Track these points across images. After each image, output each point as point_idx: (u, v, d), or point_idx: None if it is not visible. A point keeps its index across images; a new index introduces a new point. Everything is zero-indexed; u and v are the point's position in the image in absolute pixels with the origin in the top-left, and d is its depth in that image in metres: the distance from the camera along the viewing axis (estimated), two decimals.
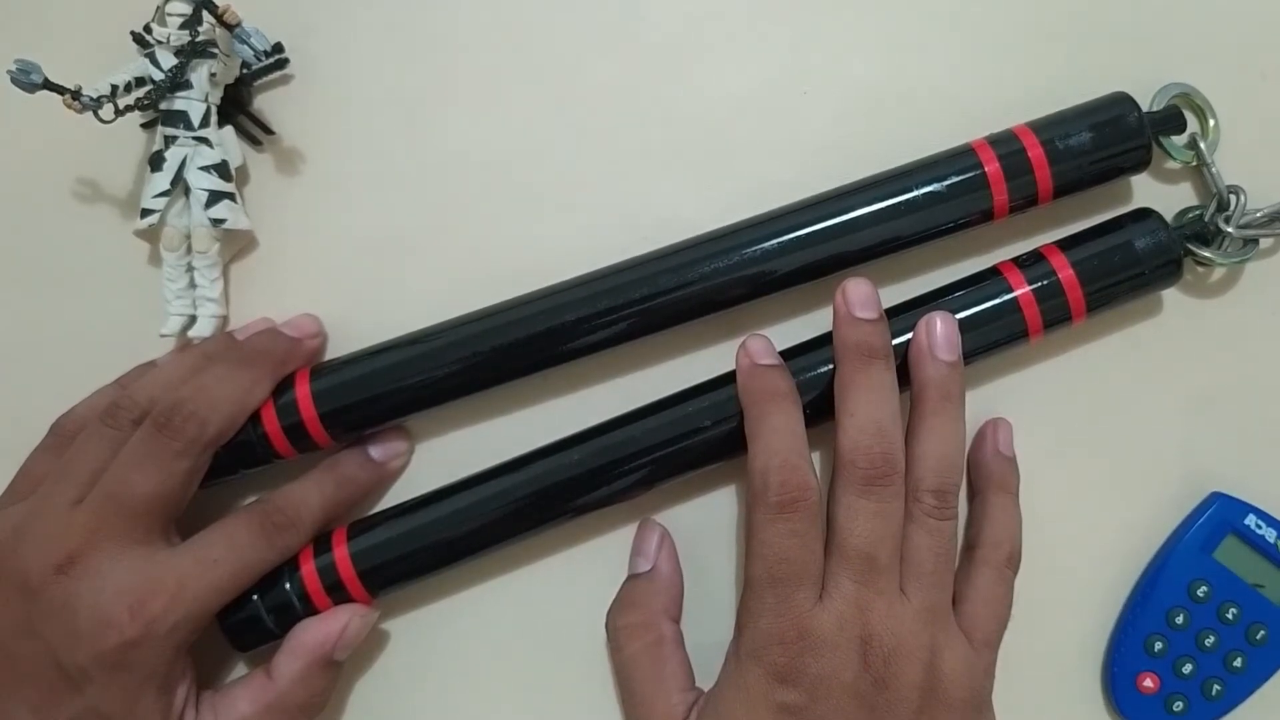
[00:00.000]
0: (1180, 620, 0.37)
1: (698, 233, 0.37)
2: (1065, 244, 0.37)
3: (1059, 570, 0.38)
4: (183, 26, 0.36)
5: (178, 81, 0.36)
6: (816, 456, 0.37)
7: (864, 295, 0.34)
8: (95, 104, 0.35)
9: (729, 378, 0.36)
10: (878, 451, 0.33)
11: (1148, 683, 0.37)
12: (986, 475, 0.37)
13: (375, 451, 0.38)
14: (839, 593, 0.32)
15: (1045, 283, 0.36)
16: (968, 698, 0.33)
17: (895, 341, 0.35)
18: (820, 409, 0.35)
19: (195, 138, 0.36)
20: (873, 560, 0.32)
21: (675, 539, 0.38)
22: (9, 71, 0.34)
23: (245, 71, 0.38)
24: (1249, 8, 0.39)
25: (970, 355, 0.35)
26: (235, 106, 0.38)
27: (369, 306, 0.39)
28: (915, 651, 0.32)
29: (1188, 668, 0.37)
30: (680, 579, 0.37)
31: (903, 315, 0.36)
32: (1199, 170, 0.38)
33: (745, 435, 0.34)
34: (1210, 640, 0.37)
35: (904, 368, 0.35)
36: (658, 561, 0.37)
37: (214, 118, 0.37)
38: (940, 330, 0.35)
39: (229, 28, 0.35)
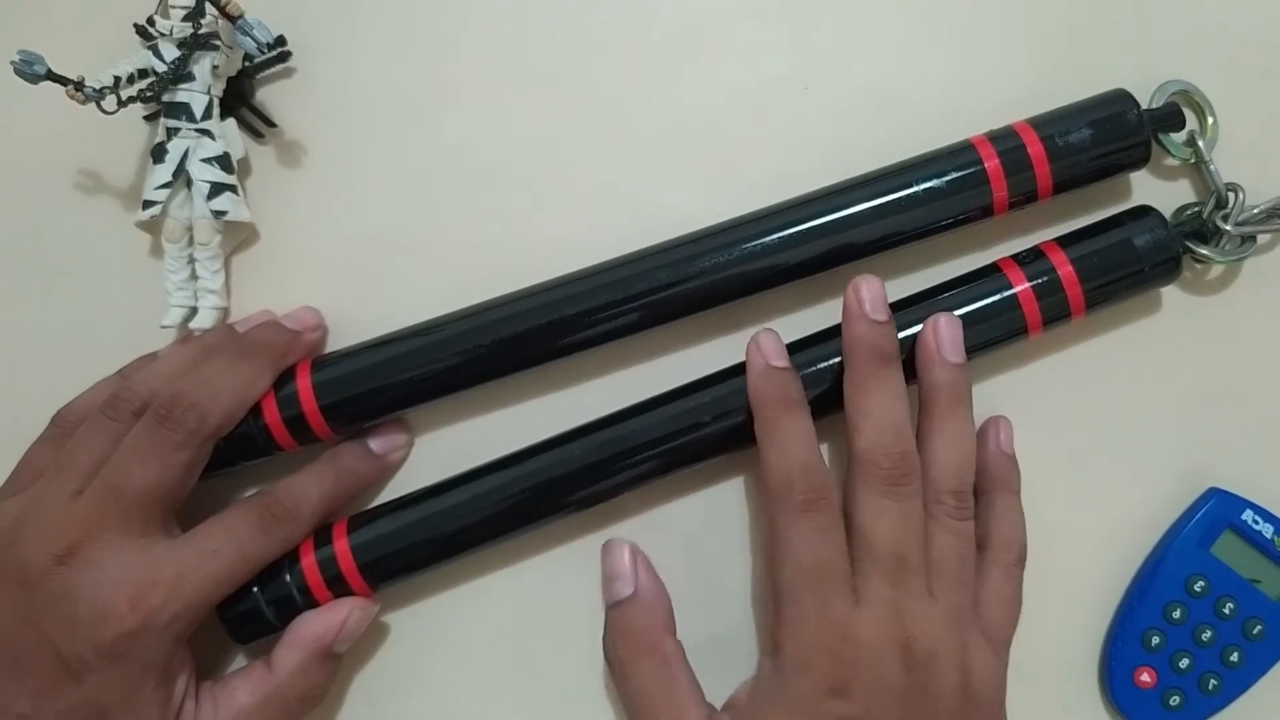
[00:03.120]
0: (1177, 615, 0.37)
1: (698, 228, 0.37)
2: (1065, 241, 0.37)
3: (1057, 565, 0.38)
4: (186, 19, 0.36)
5: (180, 73, 0.36)
6: None
7: (877, 295, 0.34)
8: (98, 95, 0.35)
9: (729, 373, 0.36)
10: (897, 452, 0.33)
11: (1145, 677, 0.37)
12: (991, 475, 0.36)
13: (375, 444, 0.38)
14: (873, 595, 0.32)
15: (1045, 279, 0.36)
16: (994, 696, 0.33)
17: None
18: (820, 406, 0.35)
19: (197, 130, 0.37)
20: (904, 560, 0.32)
21: (675, 534, 0.38)
22: (12, 62, 0.34)
23: (248, 64, 0.38)
24: (1249, 6, 0.39)
25: (970, 351, 0.35)
26: (238, 99, 0.38)
27: (370, 299, 0.39)
28: (951, 654, 0.32)
29: (1185, 662, 0.37)
30: (664, 590, 0.36)
31: (902, 311, 0.36)
32: (1198, 167, 0.38)
33: (756, 436, 0.34)
34: (1207, 635, 0.37)
35: (906, 364, 0.35)
36: (638, 581, 0.36)
37: (216, 110, 0.37)
38: (947, 332, 0.35)
39: (232, 20, 0.35)
